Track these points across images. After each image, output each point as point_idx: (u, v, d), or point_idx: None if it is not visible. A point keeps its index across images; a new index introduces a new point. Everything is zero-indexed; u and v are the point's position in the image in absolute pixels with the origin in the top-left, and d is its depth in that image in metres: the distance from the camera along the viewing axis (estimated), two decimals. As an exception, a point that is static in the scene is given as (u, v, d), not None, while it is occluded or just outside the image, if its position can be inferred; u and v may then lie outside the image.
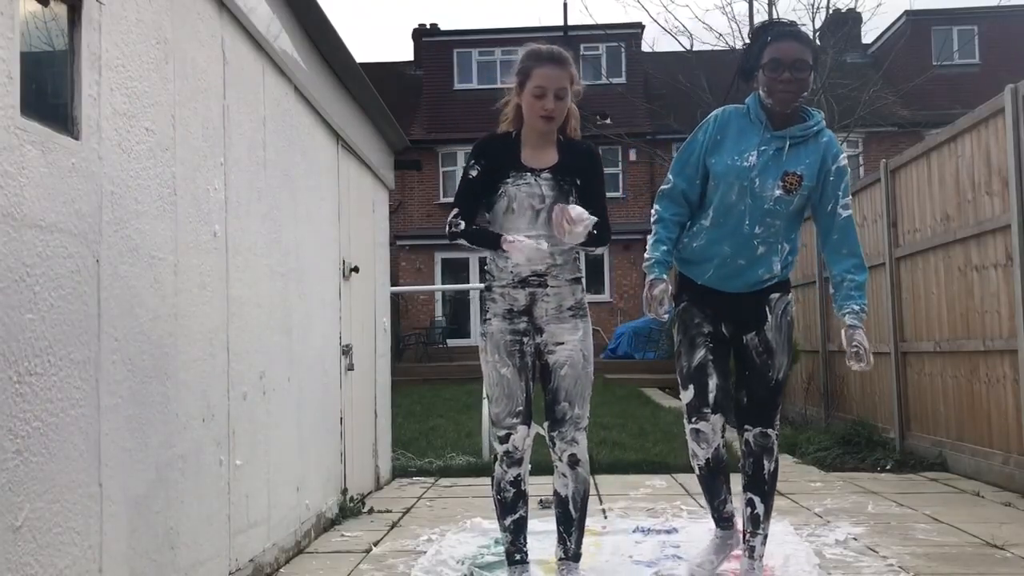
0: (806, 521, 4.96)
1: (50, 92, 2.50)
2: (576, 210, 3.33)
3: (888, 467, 6.85)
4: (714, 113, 3.65)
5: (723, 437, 3.66)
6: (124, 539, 2.72)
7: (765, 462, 3.56)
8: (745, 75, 3.60)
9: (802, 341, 9.91)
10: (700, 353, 3.57)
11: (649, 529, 4.74)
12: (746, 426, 3.59)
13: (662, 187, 3.70)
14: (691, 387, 3.59)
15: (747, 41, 3.67)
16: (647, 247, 3.62)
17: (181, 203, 3.16)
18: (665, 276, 3.54)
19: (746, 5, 18.28)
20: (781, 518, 4.97)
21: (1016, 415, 5.63)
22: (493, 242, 3.49)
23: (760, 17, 15.72)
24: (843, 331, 3.46)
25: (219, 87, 3.54)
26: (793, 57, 3.40)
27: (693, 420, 3.60)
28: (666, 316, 3.48)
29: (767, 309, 3.55)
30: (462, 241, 3.55)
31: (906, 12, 23.40)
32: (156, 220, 2.96)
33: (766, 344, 3.54)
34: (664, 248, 3.58)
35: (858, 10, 15.81)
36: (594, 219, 3.35)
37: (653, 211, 3.69)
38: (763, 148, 3.47)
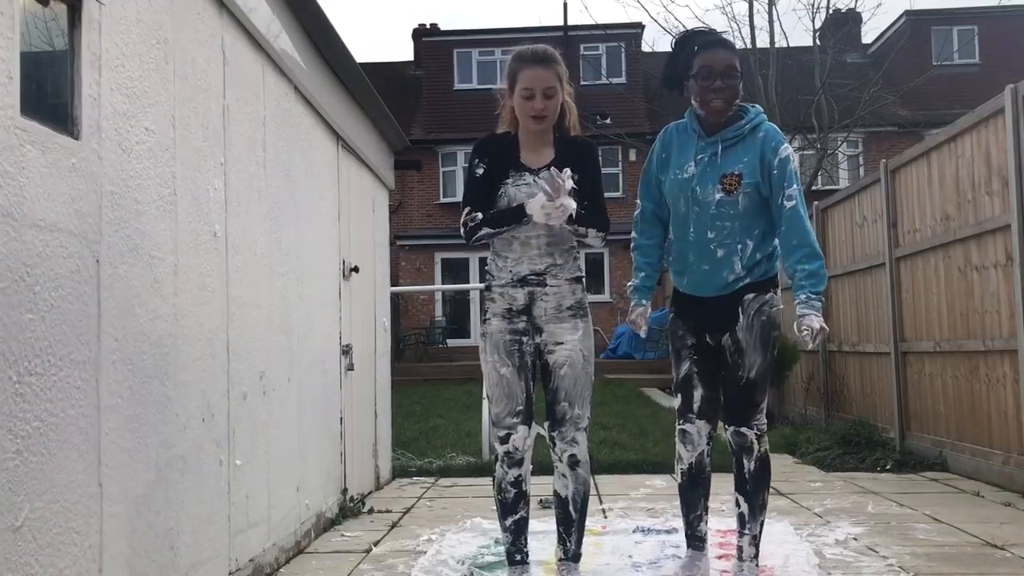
0: (806, 521, 4.96)
1: (50, 92, 2.50)
2: (566, 172, 3.38)
3: (888, 467, 6.85)
4: (660, 133, 3.80)
5: (709, 445, 3.73)
6: (124, 539, 2.72)
7: (745, 461, 3.63)
8: (670, 83, 3.69)
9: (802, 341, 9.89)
10: (685, 365, 3.70)
11: (649, 529, 4.74)
12: (727, 426, 3.69)
13: (635, 213, 3.85)
14: (679, 395, 3.74)
15: (673, 48, 3.71)
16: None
17: (181, 203, 3.16)
18: (644, 301, 3.77)
19: (746, 5, 18.28)
20: (781, 518, 4.97)
21: (1016, 415, 5.63)
22: (517, 214, 3.45)
23: (760, 18, 15.74)
24: (795, 321, 3.50)
25: (219, 87, 3.54)
26: (724, 64, 3.50)
27: (681, 422, 3.75)
28: (644, 334, 3.70)
29: (740, 310, 3.59)
30: (485, 231, 3.51)
31: (906, 12, 23.41)
32: (156, 220, 2.96)
33: (737, 344, 3.60)
34: (642, 274, 3.78)
35: (858, 10, 15.83)
36: (569, 175, 3.37)
37: (631, 239, 3.84)
38: (699, 156, 3.59)
